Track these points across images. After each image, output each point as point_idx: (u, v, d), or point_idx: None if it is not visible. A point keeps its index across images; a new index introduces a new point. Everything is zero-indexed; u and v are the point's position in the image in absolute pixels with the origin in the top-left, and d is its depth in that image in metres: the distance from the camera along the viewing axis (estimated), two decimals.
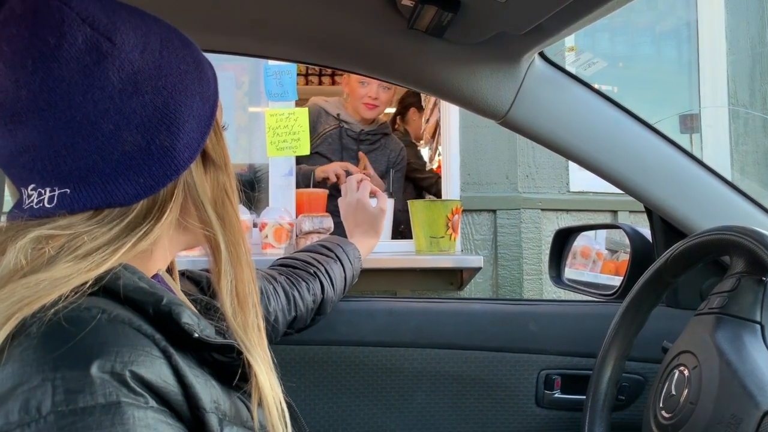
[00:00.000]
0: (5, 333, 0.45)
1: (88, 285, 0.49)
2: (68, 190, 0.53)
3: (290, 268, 1.09)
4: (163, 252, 0.62)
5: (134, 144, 0.53)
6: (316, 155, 2.37)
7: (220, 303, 0.61)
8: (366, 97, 2.37)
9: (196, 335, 0.52)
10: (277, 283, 1.02)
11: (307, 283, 1.06)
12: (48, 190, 0.53)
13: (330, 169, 2.29)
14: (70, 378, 0.44)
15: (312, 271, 1.08)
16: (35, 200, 0.54)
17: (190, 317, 0.53)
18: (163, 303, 0.52)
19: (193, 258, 1.22)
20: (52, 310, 0.47)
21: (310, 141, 2.09)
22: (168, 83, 0.55)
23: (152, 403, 0.47)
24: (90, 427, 0.43)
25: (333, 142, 2.43)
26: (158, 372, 0.48)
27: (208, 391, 0.52)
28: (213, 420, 0.51)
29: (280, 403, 0.59)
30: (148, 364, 0.48)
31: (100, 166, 0.53)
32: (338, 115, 2.44)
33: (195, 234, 0.61)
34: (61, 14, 0.52)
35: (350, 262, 1.18)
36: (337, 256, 1.15)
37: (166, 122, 0.55)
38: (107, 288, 0.51)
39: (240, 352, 0.56)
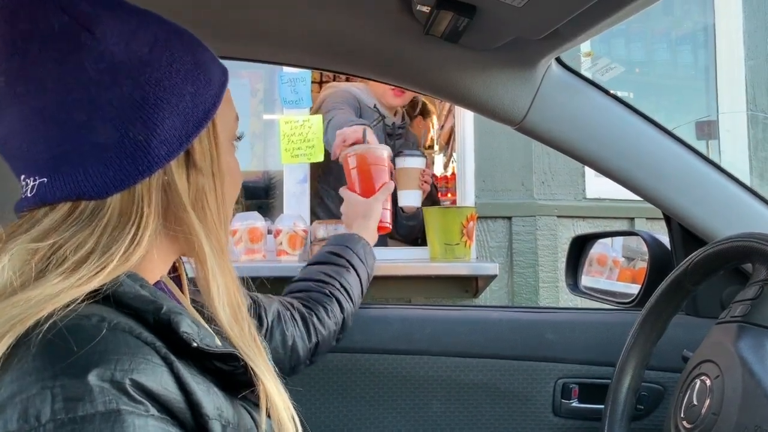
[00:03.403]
0: (0, 351, 0.45)
1: (80, 299, 0.49)
2: (45, 179, 0.53)
3: (305, 293, 1.06)
4: (154, 259, 0.59)
5: (106, 135, 0.53)
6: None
7: (212, 312, 0.59)
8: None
9: (195, 344, 0.51)
10: (294, 310, 0.99)
11: (325, 307, 1.03)
12: (31, 179, 0.53)
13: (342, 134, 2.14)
14: (69, 386, 0.44)
15: (328, 291, 1.05)
16: (24, 190, 0.54)
17: (190, 326, 0.52)
18: (163, 311, 0.51)
19: None
20: (52, 320, 0.46)
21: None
22: (152, 78, 0.54)
23: (153, 411, 0.46)
24: None
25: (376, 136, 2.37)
26: (159, 380, 0.48)
27: (210, 398, 0.52)
28: (216, 427, 0.51)
29: (290, 408, 0.59)
30: (149, 372, 0.47)
31: (71, 156, 0.52)
32: (375, 106, 2.35)
33: (177, 241, 0.60)
34: (42, 1, 0.52)
35: (363, 261, 1.15)
36: (350, 263, 1.12)
37: (143, 116, 0.53)
38: (108, 295, 0.50)
39: (242, 361, 0.56)
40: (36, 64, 0.52)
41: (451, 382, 1.12)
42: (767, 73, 2.96)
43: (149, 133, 0.54)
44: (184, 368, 0.50)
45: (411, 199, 1.98)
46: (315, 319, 1.01)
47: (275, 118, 2.37)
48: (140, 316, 0.51)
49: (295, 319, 0.98)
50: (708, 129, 2.97)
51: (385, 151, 1.41)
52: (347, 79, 4.16)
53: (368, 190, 1.36)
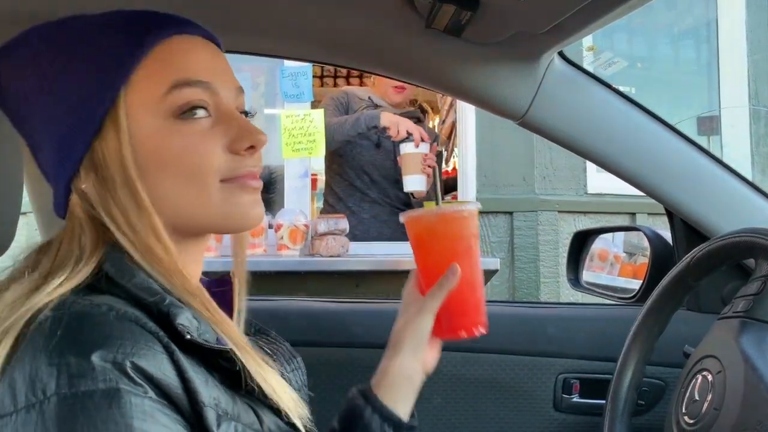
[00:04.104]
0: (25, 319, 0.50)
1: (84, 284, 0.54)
2: None
3: None
4: (180, 258, 0.59)
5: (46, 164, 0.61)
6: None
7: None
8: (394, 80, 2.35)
9: (188, 337, 0.53)
10: None
11: None
12: None
13: (398, 122, 2.16)
14: (74, 364, 0.47)
15: None
16: None
17: (189, 320, 0.54)
18: (165, 303, 0.54)
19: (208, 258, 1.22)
20: (64, 307, 0.51)
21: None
22: (26, 113, 0.59)
23: (151, 393, 0.49)
24: (89, 410, 0.46)
25: None
26: (159, 365, 0.50)
27: (208, 388, 0.53)
28: (211, 414, 0.52)
29: (298, 409, 0.59)
30: (150, 358, 0.50)
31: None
32: (369, 98, 2.41)
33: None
34: None
35: None
36: None
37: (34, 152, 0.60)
38: (120, 284, 0.54)
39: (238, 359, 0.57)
40: None
41: (452, 377, 1.12)
42: None
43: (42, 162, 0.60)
44: (186, 358, 0.53)
45: (416, 183, 2.00)
46: None
47: (276, 113, 2.37)
48: (146, 306, 0.54)
49: None
50: (710, 125, 2.96)
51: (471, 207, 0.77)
52: (347, 83, 4.17)
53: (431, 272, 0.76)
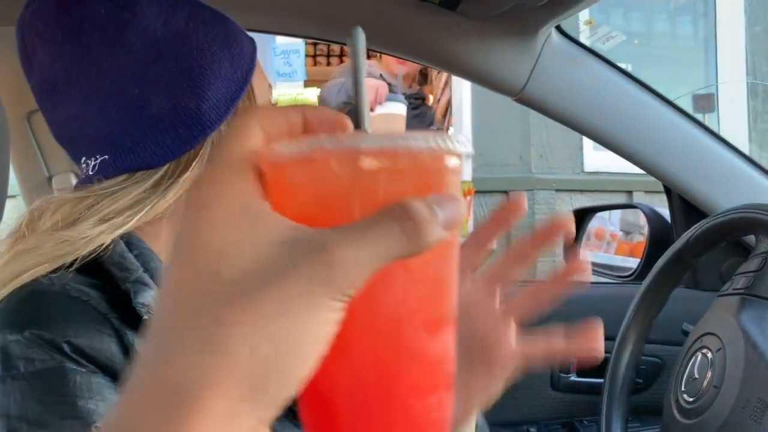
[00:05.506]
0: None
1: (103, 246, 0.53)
2: (107, 156, 0.56)
3: None
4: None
5: (160, 107, 0.56)
6: None
7: None
8: None
9: (145, 317, 0.53)
10: None
11: None
12: (92, 159, 0.57)
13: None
14: (15, 342, 0.48)
15: None
16: (85, 171, 0.58)
17: (150, 297, 0.55)
18: (131, 280, 0.54)
19: None
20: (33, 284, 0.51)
21: None
22: (192, 48, 0.57)
23: (95, 370, 0.49)
24: (27, 391, 0.47)
25: None
26: (103, 348, 0.50)
27: None
28: None
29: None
30: (94, 339, 0.50)
31: (131, 130, 0.56)
32: (381, 75, 2.31)
33: None
34: None
35: None
36: None
37: (191, 84, 0.56)
38: (92, 258, 0.54)
39: None
40: (89, 48, 0.55)
41: None
42: None
43: (199, 100, 0.56)
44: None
45: None
46: None
47: None
48: (111, 281, 0.54)
49: None
50: (706, 102, 2.94)
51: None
52: (341, 62, 4.10)
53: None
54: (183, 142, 0.56)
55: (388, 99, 1.63)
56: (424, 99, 2.47)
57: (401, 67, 2.32)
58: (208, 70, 0.57)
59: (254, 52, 0.63)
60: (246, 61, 0.61)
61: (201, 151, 0.58)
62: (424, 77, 2.84)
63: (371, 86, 1.74)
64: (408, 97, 2.40)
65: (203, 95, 0.57)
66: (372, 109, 1.34)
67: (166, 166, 0.57)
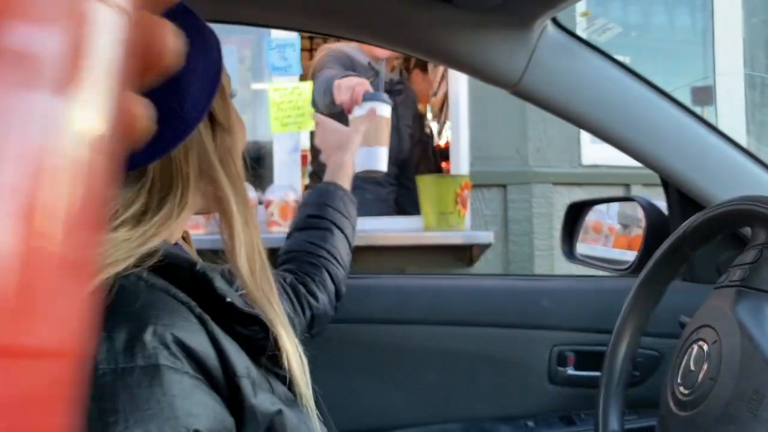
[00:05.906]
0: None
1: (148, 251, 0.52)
2: None
3: (295, 264, 1.03)
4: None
5: None
6: None
7: (235, 271, 0.62)
8: None
9: (229, 299, 0.54)
10: (287, 285, 0.97)
11: (314, 278, 0.99)
12: None
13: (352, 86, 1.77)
14: (112, 339, 0.47)
15: (316, 262, 1.02)
16: None
17: (223, 283, 0.55)
18: (198, 266, 0.54)
19: (198, 237, 1.20)
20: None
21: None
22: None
23: (188, 369, 0.49)
24: (129, 387, 0.46)
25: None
26: (197, 338, 0.50)
27: (241, 358, 0.54)
28: (247, 385, 0.53)
29: (306, 375, 0.61)
30: (188, 330, 0.50)
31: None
32: (369, 63, 2.28)
33: (206, 198, 0.62)
34: None
35: (346, 216, 1.07)
36: (333, 223, 1.05)
37: (172, 85, 0.56)
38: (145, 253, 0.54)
39: (262, 324, 0.57)
40: None
41: (446, 351, 1.11)
42: (767, 33, 2.92)
43: (181, 100, 0.57)
44: (217, 328, 0.53)
45: (377, 159, 1.40)
46: (307, 294, 0.98)
47: (264, 88, 2.33)
48: (174, 273, 0.53)
49: (288, 295, 0.96)
50: (704, 95, 2.93)
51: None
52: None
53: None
54: (167, 143, 0.57)
55: (370, 98, 1.47)
56: (405, 84, 2.44)
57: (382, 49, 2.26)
58: (187, 69, 0.57)
59: (220, 48, 0.63)
60: (216, 58, 0.61)
61: (189, 156, 0.59)
62: (406, 60, 2.81)
63: (347, 86, 1.61)
64: (395, 83, 2.37)
65: (185, 95, 0.57)
66: (349, 111, 1.34)
67: (151, 168, 0.57)
